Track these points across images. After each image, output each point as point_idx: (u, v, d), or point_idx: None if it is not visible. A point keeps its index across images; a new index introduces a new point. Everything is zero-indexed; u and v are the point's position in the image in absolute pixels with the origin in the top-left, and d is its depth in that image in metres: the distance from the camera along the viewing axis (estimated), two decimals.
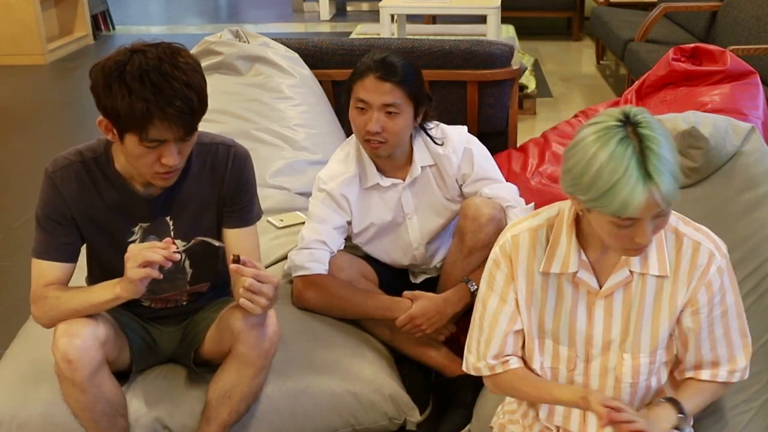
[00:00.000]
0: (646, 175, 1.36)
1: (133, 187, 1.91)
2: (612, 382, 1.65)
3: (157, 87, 1.68)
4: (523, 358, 1.71)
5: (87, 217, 1.91)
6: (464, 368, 1.78)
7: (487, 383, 1.76)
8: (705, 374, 1.64)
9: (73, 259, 1.94)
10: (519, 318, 1.67)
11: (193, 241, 1.89)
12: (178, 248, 1.78)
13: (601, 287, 1.60)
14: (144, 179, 1.88)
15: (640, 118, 1.40)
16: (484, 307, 1.70)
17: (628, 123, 1.39)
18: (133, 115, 1.70)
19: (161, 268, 1.76)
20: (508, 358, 1.69)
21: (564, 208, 1.61)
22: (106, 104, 1.73)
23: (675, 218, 1.59)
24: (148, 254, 1.73)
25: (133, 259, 1.75)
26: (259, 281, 1.78)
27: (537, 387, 1.67)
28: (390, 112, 2.22)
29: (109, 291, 1.82)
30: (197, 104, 1.74)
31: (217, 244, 1.91)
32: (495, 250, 1.67)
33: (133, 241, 1.94)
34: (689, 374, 1.66)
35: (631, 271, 1.58)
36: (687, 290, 1.59)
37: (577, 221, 1.59)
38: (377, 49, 2.60)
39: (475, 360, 1.73)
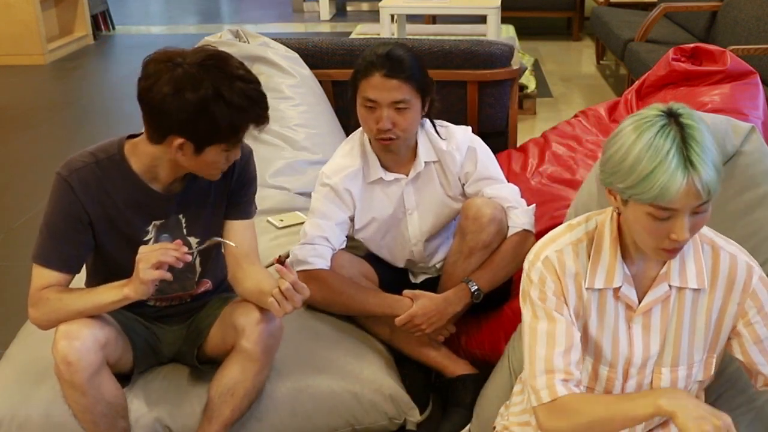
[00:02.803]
0: (688, 161, 1.33)
1: (151, 186, 1.91)
2: None
3: (248, 96, 1.77)
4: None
5: (103, 218, 1.89)
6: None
7: (543, 417, 1.52)
8: None
9: (76, 270, 1.92)
10: (575, 332, 1.55)
11: (208, 241, 1.90)
12: (191, 248, 1.78)
13: (639, 302, 1.56)
14: (165, 179, 1.90)
15: (682, 111, 1.39)
16: (534, 332, 1.55)
17: (671, 114, 1.38)
18: (236, 127, 1.78)
19: (173, 269, 1.76)
20: (571, 378, 1.53)
21: (603, 220, 1.57)
22: (196, 123, 1.74)
23: (710, 231, 1.57)
24: (160, 256, 1.73)
25: (145, 260, 1.75)
26: (295, 289, 1.81)
27: (608, 405, 1.47)
28: (399, 108, 2.22)
29: (117, 292, 1.82)
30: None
31: (232, 244, 1.94)
32: (538, 267, 1.55)
33: (148, 240, 1.94)
34: None
35: (670, 286, 1.54)
36: (728, 304, 1.56)
37: (619, 233, 1.54)
38: (379, 42, 2.57)
39: (536, 390, 1.54)
